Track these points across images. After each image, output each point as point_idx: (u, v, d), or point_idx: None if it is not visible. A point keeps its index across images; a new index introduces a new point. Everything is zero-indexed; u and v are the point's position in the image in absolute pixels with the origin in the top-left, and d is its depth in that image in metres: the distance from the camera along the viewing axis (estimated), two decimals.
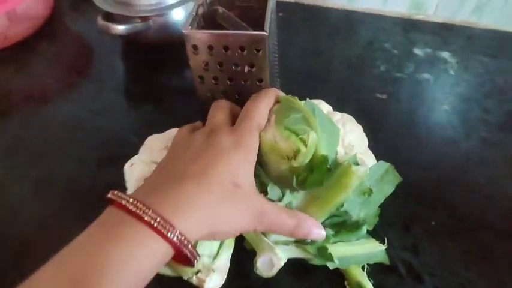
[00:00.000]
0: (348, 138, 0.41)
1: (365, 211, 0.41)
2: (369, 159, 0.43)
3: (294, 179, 0.38)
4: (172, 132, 0.47)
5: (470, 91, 0.63)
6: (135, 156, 0.46)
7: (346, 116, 0.44)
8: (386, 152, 0.56)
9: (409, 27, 0.75)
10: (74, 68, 0.74)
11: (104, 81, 0.70)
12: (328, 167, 0.37)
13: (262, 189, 0.41)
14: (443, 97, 0.63)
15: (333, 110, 0.48)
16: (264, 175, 0.41)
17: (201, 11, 0.51)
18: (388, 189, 0.42)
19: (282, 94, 0.44)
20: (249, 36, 0.45)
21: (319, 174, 0.37)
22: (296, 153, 0.37)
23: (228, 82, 0.49)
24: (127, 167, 0.45)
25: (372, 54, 0.71)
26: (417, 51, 0.71)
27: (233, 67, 0.47)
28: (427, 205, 0.50)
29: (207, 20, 0.53)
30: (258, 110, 0.41)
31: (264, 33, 0.44)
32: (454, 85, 0.64)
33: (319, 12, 0.81)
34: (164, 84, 0.69)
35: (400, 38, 0.73)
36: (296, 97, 0.42)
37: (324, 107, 0.45)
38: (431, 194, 0.51)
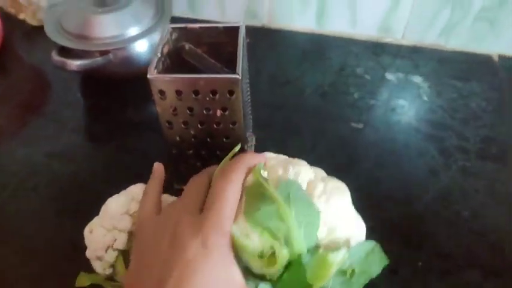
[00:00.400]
0: (333, 220, 0.36)
1: None
2: (358, 229, 0.39)
3: (270, 282, 0.34)
4: (133, 190, 0.43)
5: (445, 118, 0.62)
6: (95, 219, 0.41)
7: (331, 185, 0.38)
8: (367, 185, 0.54)
9: (379, 50, 0.74)
10: (29, 105, 0.68)
11: (62, 120, 0.64)
12: (310, 265, 0.34)
13: None
14: (419, 125, 0.62)
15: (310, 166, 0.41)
16: None
17: (166, 49, 0.47)
18: (374, 271, 0.38)
19: (256, 161, 0.37)
20: (221, 80, 0.42)
21: (297, 278, 0.33)
22: (271, 256, 0.33)
23: (199, 126, 0.46)
24: (86, 232, 0.40)
25: (345, 80, 0.69)
26: (389, 76, 0.69)
27: (204, 111, 0.44)
28: (412, 244, 0.48)
29: (173, 57, 0.49)
30: (228, 195, 0.34)
31: (236, 76, 0.41)
32: (428, 111, 0.63)
33: (286, 36, 0.79)
34: (129, 122, 0.65)
35: (371, 62, 0.72)
36: (268, 180, 0.36)
37: (306, 174, 0.38)
38: (416, 230, 0.50)
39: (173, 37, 0.49)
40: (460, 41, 0.73)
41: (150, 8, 0.66)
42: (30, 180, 0.56)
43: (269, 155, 0.40)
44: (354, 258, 0.36)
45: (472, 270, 0.46)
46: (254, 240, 0.33)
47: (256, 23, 0.81)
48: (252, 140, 0.57)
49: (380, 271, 0.38)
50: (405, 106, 0.64)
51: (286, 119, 0.63)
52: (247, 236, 0.33)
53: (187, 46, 0.50)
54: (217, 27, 0.49)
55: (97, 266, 0.40)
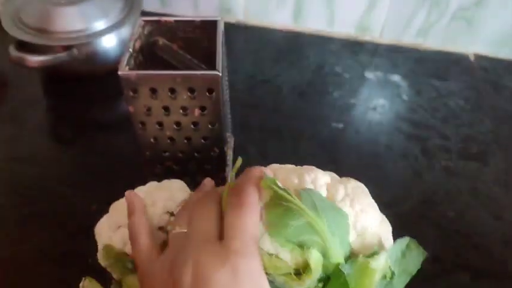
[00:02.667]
0: (361, 221, 0.34)
1: None
2: (385, 231, 0.36)
3: None
4: (173, 186, 0.39)
5: (426, 117, 0.61)
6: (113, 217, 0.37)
7: (351, 185, 0.36)
8: None
9: (358, 49, 0.73)
10: None
11: (23, 121, 0.59)
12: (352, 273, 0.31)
13: None
14: (400, 124, 0.60)
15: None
16: None
17: (138, 44, 0.44)
18: (413, 267, 0.36)
19: (265, 175, 0.33)
20: (200, 77, 0.38)
21: None
22: (308, 269, 0.31)
23: (175, 127, 0.42)
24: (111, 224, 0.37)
25: (323, 79, 0.67)
26: (368, 74, 0.68)
27: (181, 111, 0.41)
28: None
29: (145, 52, 0.46)
30: (248, 222, 0.30)
31: (216, 73, 0.38)
32: (409, 111, 0.62)
33: (262, 33, 0.77)
34: (97, 121, 0.60)
35: (350, 61, 0.70)
36: (289, 190, 0.32)
37: (322, 179, 0.35)
38: (401, 233, 0.48)
39: (145, 31, 0.46)
40: (437, 40, 0.73)
41: (118, 0, 0.62)
42: None
43: (275, 166, 0.37)
44: (391, 260, 0.34)
45: (460, 273, 0.45)
46: (284, 256, 0.31)
47: (230, 19, 0.78)
48: (231, 141, 0.54)
49: (420, 266, 0.36)
50: (385, 105, 0.63)
51: (264, 119, 0.60)
52: (275, 252, 0.31)
53: (160, 41, 0.47)
54: (193, 21, 0.46)
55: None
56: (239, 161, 0.35)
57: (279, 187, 0.31)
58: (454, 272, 0.45)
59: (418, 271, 0.38)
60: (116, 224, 0.37)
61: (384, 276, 0.33)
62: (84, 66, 0.60)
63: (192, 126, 0.42)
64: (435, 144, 0.58)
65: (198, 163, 0.46)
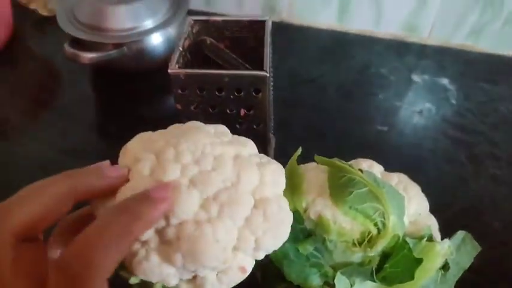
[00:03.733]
0: (413, 206, 0.36)
1: None
2: (433, 224, 0.37)
3: (375, 274, 0.32)
4: None
5: (475, 122, 0.59)
6: None
7: (402, 176, 0.38)
8: None
9: (404, 50, 0.71)
10: (39, 98, 0.66)
11: (75, 115, 0.62)
12: (415, 255, 0.32)
13: (326, 281, 0.34)
14: (447, 129, 0.59)
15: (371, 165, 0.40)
16: (327, 264, 0.34)
17: (187, 43, 0.45)
18: (466, 261, 0.36)
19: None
20: (248, 77, 0.39)
21: (405, 266, 0.31)
22: (370, 238, 0.32)
23: None
24: None
25: (369, 80, 0.66)
26: (415, 77, 0.66)
27: (228, 110, 0.41)
28: None
29: (193, 51, 0.47)
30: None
31: (264, 73, 0.38)
32: (457, 115, 0.60)
33: (306, 32, 0.76)
34: (144, 117, 0.62)
35: (396, 62, 0.69)
36: (352, 164, 0.35)
37: (377, 167, 0.38)
38: None
39: (194, 30, 0.47)
40: (488, 42, 0.70)
41: (166, 0, 0.64)
42: (39, 176, 0.53)
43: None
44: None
45: (504, 285, 0.44)
46: (347, 225, 0.32)
47: (274, 17, 0.78)
48: (272, 141, 0.55)
49: (472, 260, 0.36)
50: (432, 109, 0.61)
51: (307, 119, 0.60)
52: (337, 220, 0.32)
53: (208, 40, 0.48)
54: (241, 21, 0.47)
55: None
56: (298, 150, 0.37)
57: (345, 162, 0.33)
58: (497, 284, 0.44)
59: (460, 281, 0.37)
60: None
61: (439, 269, 0.34)
62: (133, 63, 0.62)
63: (237, 126, 0.43)
64: (483, 150, 0.56)
65: None
